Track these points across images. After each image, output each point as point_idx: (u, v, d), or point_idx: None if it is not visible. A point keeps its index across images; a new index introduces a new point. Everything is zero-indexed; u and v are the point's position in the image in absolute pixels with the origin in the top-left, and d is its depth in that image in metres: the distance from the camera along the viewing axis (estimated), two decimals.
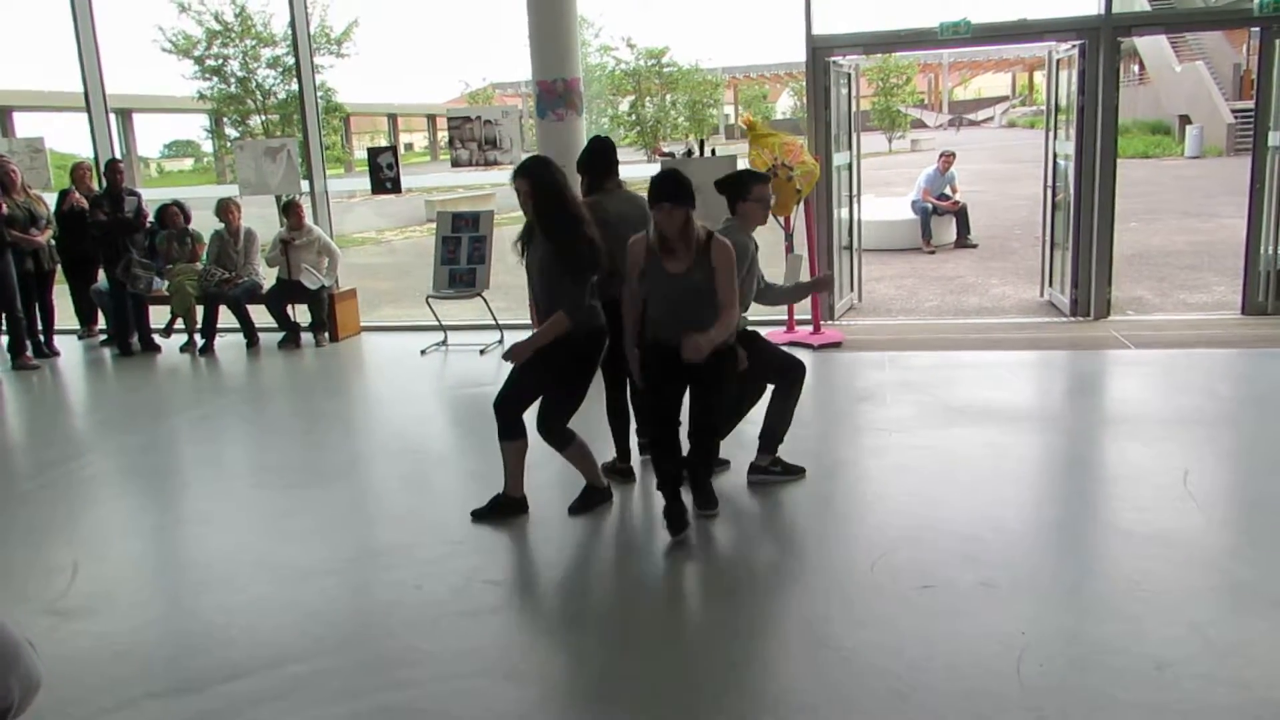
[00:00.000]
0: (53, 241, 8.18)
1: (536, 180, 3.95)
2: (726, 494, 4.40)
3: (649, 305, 4.01)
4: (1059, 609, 3.31)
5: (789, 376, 4.50)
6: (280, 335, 8.27)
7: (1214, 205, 14.93)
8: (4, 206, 7.61)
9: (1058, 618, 3.24)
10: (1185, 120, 27.10)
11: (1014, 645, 3.03)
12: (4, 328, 7.82)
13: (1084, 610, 3.30)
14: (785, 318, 7.56)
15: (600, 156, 4.61)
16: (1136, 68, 32.68)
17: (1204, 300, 8.51)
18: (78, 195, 8.29)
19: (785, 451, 4.60)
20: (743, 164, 6.29)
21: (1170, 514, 3.98)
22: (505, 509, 4.29)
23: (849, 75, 8.23)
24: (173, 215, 8.29)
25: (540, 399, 4.13)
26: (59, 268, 8.40)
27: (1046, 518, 4.13)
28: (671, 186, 3.80)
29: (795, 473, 4.59)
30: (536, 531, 4.17)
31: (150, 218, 8.38)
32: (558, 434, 4.15)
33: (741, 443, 4.72)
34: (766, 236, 4.67)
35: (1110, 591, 3.41)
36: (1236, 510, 4.20)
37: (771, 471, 4.58)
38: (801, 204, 7.12)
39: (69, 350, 8.43)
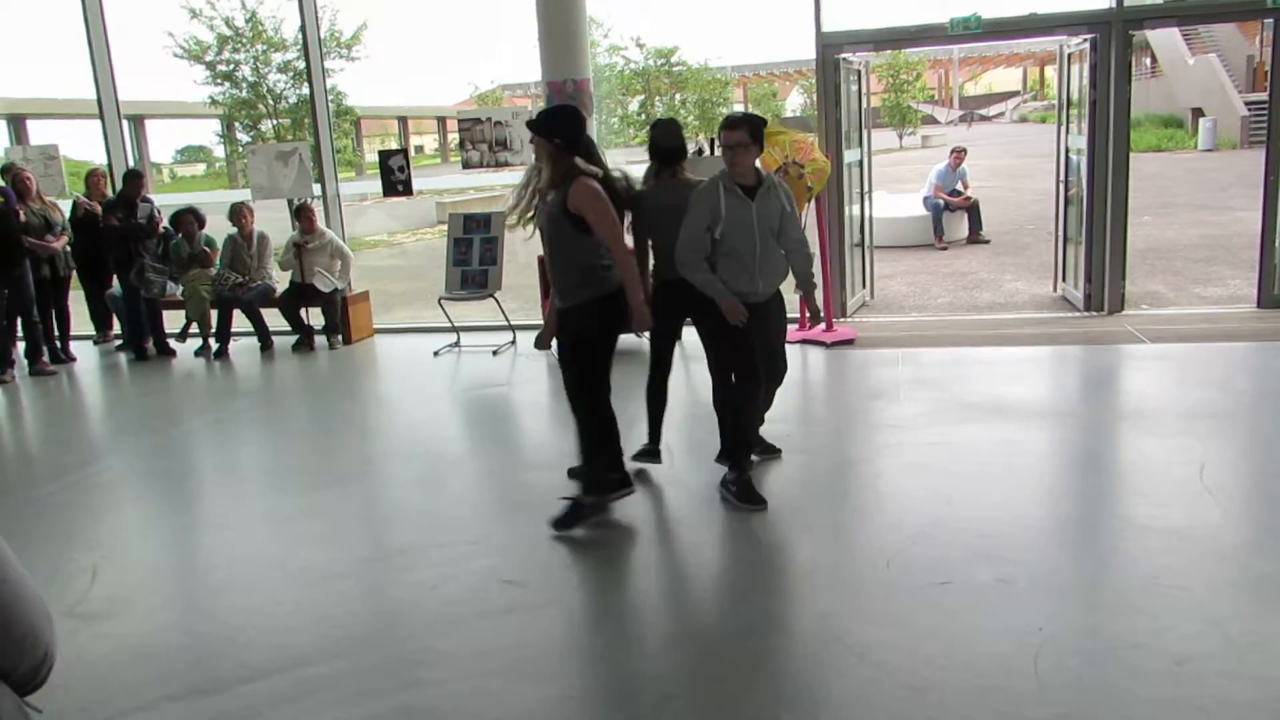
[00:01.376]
0: (68, 248, 8.25)
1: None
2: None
3: None
4: (1076, 605, 3.30)
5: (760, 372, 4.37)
6: (294, 338, 8.32)
7: (1228, 198, 14.84)
8: (20, 214, 7.68)
9: (1075, 614, 3.23)
10: (1198, 113, 26.91)
11: (1031, 641, 3.02)
12: (21, 334, 7.88)
13: (1101, 606, 3.29)
14: (796, 315, 7.54)
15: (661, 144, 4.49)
16: (1148, 61, 32.47)
17: (1219, 294, 8.46)
18: (83, 199, 8.35)
19: (797, 447, 4.58)
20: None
21: (1187, 509, 3.96)
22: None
23: (859, 72, 8.22)
24: (188, 222, 8.35)
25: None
26: (74, 274, 8.47)
27: (1062, 513, 4.12)
28: (541, 118, 3.85)
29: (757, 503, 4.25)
30: (552, 530, 4.18)
31: (164, 223, 8.44)
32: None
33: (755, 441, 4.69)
34: None
35: (1127, 587, 3.39)
36: (1254, 504, 4.17)
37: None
38: (813, 201, 7.12)
39: (85, 356, 8.49)
